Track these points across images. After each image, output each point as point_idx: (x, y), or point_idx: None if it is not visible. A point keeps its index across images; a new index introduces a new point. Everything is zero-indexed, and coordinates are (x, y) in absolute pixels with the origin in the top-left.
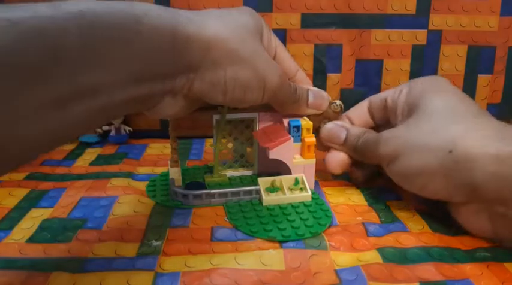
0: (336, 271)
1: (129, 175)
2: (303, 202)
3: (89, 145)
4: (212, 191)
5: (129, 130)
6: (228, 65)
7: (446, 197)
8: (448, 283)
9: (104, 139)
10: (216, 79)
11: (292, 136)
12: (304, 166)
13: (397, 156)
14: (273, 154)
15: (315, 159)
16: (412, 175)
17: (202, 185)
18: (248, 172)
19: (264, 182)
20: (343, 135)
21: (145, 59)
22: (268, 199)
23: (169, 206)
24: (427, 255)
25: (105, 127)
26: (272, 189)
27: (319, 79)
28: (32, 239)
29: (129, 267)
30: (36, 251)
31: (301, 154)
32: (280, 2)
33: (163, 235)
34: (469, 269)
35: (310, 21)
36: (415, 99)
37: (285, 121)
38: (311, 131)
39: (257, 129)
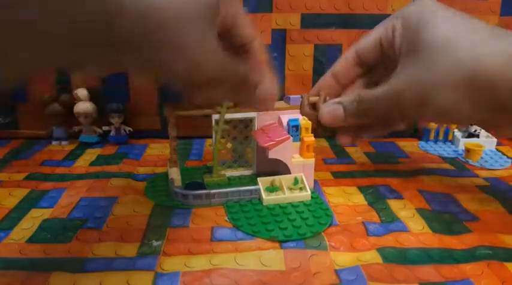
0: (336, 271)
1: (129, 175)
2: (302, 202)
3: (89, 145)
4: (212, 191)
5: (129, 130)
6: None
7: (483, 122)
8: (448, 284)
9: (104, 139)
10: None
11: (291, 136)
12: (303, 165)
13: (423, 102)
14: (273, 153)
15: (314, 159)
16: (444, 112)
17: (202, 185)
18: (247, 172)
19: (263, 181)
20: (340, 110)
21: (76, 24)
22: (268, 198)
23: (168, 206)
24: (427, 257)
25: (105, 128)
26: (272, 189)
27: (319, 79)
28: (32, 239)
29: (129, 267)
30: (36, 251)
31: (300, 154)
32: (280, 2)
33: (163, 235)
34: (469, 268)
35: (310, 21)
36: (415, 31)
37: (284, 121)
38: (310, 130)
39: (256, 128)
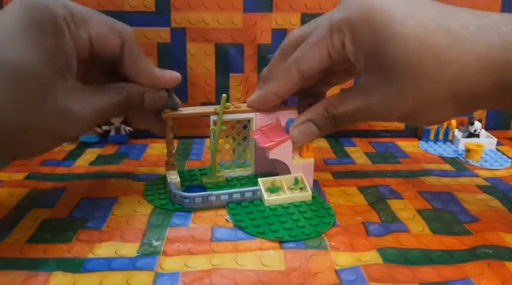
0: (336, 271)
1: (129, 175)
2: (304, 201)
3: (89, 145)
4: (214, 193)
5: (129, 130)
6: None
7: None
8: (449, 284)
9: (104, 139)
10: None
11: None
12: (303, 165)
13: (409, 116)
14: (273, 154)
15: (313, 158)
16: (429, 123)
17: (201, 188)
18: (245, 173)
19: (264, 182)
20: (313, 128)
21: None
22: (270, 199)
23: (169, 209)
24: (427, 258)
25: (105, 127)
26: (273, 189)
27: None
28: (32, 239)
29: (129, 267)
30: (36, 251)
31: (300, 154)
32: (280, 2)
33: (163, 234)
34: (469, 268)
35: (310, 21)
36: (374, 47)
37: (283, 121)
38: None
39: (254, 129)
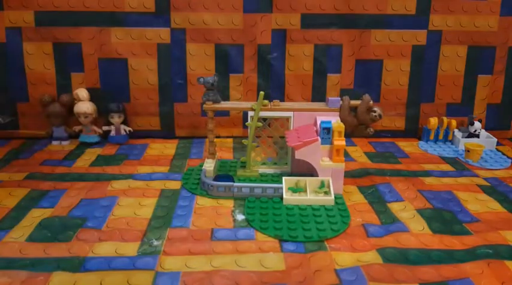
0: (336, 271)
1: (130, 175)
2: (324, 206)
3: (89, 145)
4: (235, 184)
5: (129, 131)
6: None
7: None
8: (449, 284)
9: (104, 139)
10: None
11: (322, 138)
12: (332, 169)
13: None
14: (299, 154)
15: (344, 164)
16: None
17: (230, 178)
18: (282, 170)
19: (288, 181)
20: None
21: None
22: (289, 198)
23: (194, 193)
24: (427, 258)
25: (105, 128)
26: (295, 189)
27: (319, 79)
28: (32, 238)
29: (130, 266)
30: (37, 251)
31: (330, 157)
32: (280, 2)
33: (164, 234)
34: (469, 267)
35: (310, 21)
36: None
37: (318, 122)
38: (343, 134)
39: (292, 128)
